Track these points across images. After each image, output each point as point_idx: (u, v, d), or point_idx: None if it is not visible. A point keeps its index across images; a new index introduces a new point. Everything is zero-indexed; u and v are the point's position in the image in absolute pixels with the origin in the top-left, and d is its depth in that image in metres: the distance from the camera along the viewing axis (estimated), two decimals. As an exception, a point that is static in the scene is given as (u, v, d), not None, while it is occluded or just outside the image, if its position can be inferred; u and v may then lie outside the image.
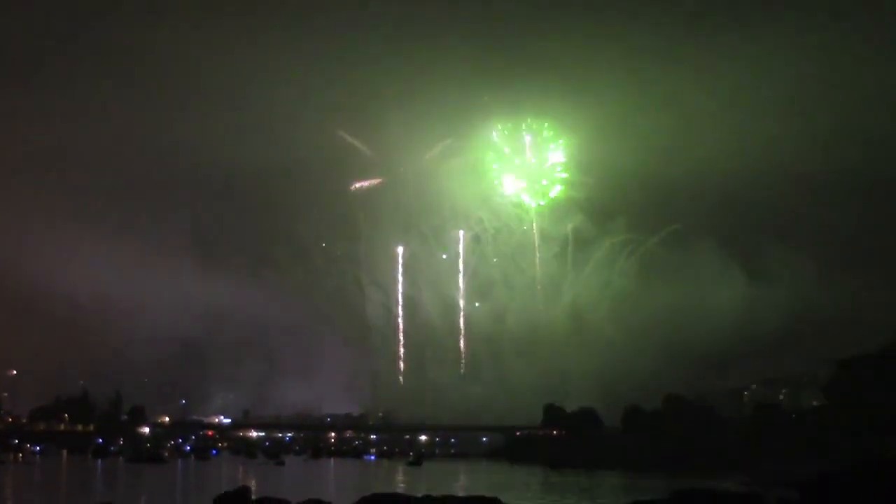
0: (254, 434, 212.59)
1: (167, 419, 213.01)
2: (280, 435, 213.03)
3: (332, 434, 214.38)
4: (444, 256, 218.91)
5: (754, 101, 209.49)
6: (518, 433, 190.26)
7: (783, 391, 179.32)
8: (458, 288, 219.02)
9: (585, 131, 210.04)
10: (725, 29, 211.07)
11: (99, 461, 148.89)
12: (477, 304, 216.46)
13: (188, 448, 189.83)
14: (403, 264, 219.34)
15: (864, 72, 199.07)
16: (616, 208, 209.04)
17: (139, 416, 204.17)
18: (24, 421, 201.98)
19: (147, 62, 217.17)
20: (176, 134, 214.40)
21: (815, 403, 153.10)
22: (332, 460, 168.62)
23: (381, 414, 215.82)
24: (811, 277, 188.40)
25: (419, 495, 54.78)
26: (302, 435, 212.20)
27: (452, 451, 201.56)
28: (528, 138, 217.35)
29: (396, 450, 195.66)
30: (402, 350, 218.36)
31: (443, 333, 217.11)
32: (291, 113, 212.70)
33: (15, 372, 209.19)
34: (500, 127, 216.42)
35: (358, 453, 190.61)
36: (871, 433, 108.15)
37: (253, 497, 55.19)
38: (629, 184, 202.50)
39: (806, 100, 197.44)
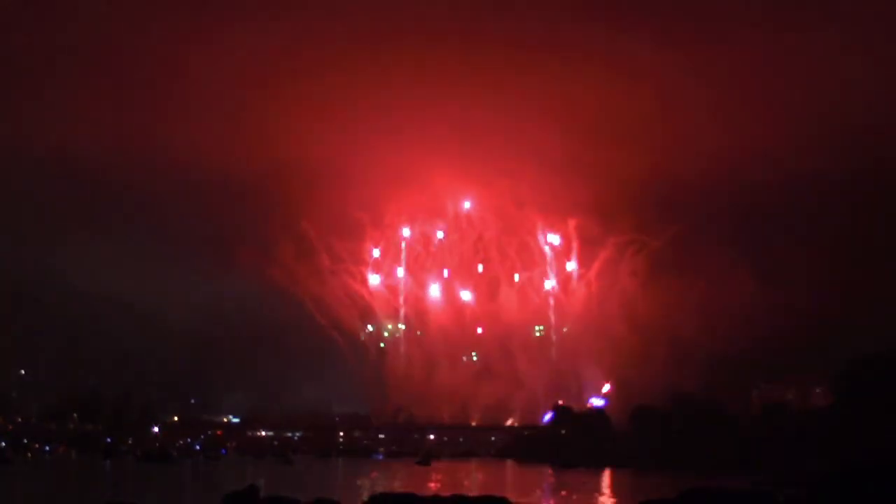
0: (263, 433, 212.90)
1: (176, 418, 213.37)
2: (289, 434, 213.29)
3: (341, 433, 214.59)
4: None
5: (762, 100, 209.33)
6: (526, 433, 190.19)
7: (792, 390, 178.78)
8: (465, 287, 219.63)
9: (588, 131, 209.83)
10: (734, 27, 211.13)
11: (108, 460, 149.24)
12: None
13: (197, 447, 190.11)
14: (407, 262, 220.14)
15: (874, 71, 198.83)
16: (621, 208, 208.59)
17: (148, 416, 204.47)
18: (34, 420, 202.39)
19: (157, 68, 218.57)
20: (182, 135, 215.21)
21: (823, 403, 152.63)
22: (340, 460, 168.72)
23: (390, 413, 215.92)
24: (821, 276, 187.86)
25: (428, 495, 54.79)
26: (311, 434, 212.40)
27: (461, 450, 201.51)
28: None
29: (405, 449, 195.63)
30: (410, 349, 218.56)
31: (453, 332, 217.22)
32: (297, 113, 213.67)
33: (24, 371, 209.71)
34: None
35: (366, 453, 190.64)
36: (881, 433, 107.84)
37: (261, 496, 55.23)
38: (634, 183, 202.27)
39: (816, 98, 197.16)
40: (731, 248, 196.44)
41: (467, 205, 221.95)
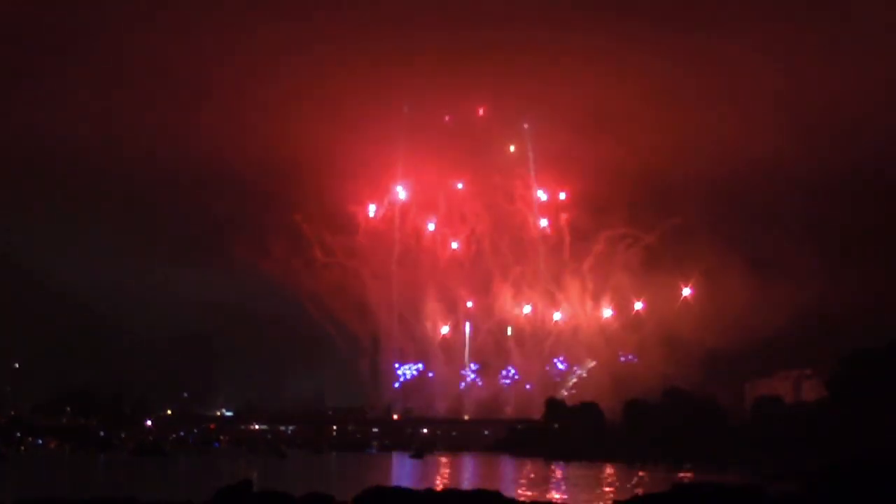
0: (256, 427, 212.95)
1: (169, 412, 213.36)
2: (282, 428, 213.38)
3: (334, 427, 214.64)
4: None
5: (753, 96, 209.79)
6: (519, 426, 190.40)
7: (785, 385, 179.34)
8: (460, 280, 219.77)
9: (580, 126, 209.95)
10: (729, 24, 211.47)
11: (101, 454, 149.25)
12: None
13: (190, 441, 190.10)
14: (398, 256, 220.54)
15: (865, 68, 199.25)
16: (613, 202, 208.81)
17: (142, 410, 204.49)
18: (28, 414, 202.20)
19: (148, 62, 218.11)
20: (174, 131, 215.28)
21: (817, 398, 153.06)
22: (333, 453, 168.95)
23: (383, 407, 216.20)
24: (816, 272, 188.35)
25: (420, 489, 54.90)
26: (304, 428, 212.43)
27: (454, 444, 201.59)
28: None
29: (398, 443, 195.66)
30: (405, 343, 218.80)
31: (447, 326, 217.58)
32: (289, 108, 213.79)
33: (18, 365, 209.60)
34: None
35: (360, 446, 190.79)
36: (873, 428, 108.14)
37: (254, 490, 55.22)
38: (626, 178, 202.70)
39: (815, 94, 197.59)
40: (724, 242, 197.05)
41: (460, 185, 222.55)
